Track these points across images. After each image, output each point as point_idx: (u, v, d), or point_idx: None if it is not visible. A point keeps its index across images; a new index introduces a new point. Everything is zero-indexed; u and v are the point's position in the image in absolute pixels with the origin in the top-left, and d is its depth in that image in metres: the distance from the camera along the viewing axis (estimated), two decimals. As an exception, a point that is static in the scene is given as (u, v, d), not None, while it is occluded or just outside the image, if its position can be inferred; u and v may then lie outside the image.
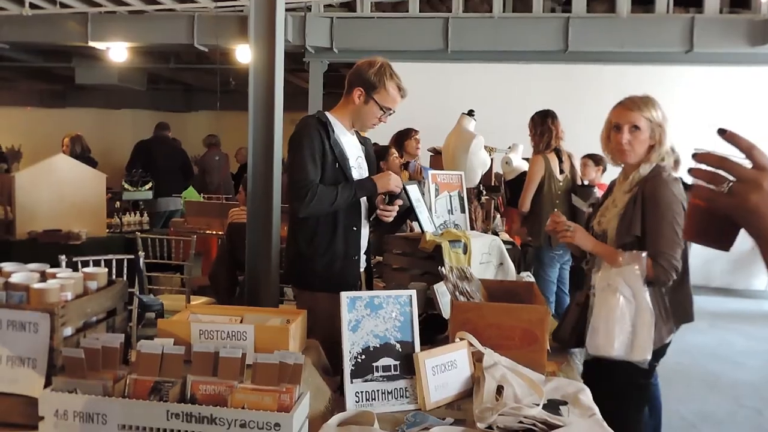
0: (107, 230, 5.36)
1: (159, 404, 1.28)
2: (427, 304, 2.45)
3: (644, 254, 2.24)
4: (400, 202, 2.60)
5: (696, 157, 0.90)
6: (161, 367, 1.37)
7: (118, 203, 6.01)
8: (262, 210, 3.34)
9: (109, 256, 4.04)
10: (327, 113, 2.60)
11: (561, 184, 4.38)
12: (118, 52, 8.90)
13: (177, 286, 5.03)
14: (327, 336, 2.12)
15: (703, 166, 0.89)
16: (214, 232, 5.73)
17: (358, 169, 2.60)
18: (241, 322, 1.81)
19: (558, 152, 4.32)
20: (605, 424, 1.58)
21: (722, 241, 0.92)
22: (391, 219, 2.65)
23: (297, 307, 2.61)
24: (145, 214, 5.79)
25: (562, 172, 4.40)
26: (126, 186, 6.08)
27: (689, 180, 0.91)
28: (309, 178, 2.44)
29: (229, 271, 4.55)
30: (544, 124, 4.33)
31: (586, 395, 1.79)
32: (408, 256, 2.80)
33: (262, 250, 3.36)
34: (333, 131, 2.52)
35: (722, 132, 0.89)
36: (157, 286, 4.93)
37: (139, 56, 9.99)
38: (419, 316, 2.46)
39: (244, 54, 8.09)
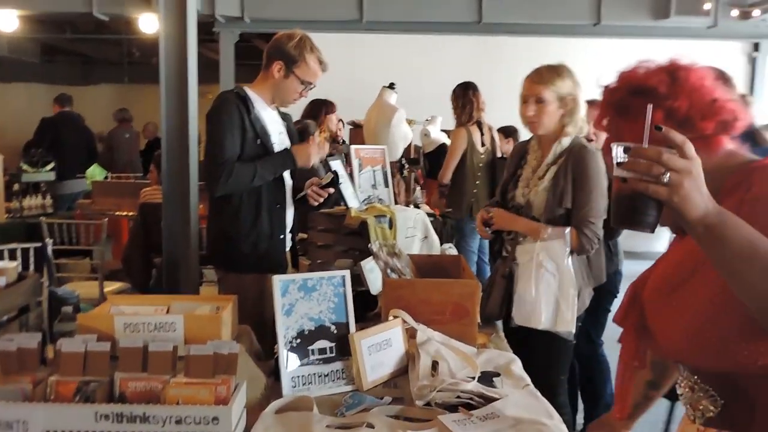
0: (6, 215, 5.02)
1: (86, 406, 1.21)
2: (354, 281, 2.44)
3: (568, 230, 2.30)
4: (331, 190, 2.57)
5: (630, 151, 0.98)
6: (85, 366, 1.29)
7: (16, 185, 5.62)
8: (178, 189, 3.21)
9: (13, 245, 3.78)
10: (246, 88, 2.51)
11: (482, 156, 4.44)
12: (6, 19, 8.25)
13: (86, 272, 4.78)
14: (256, 318, 2.07)
15: (638, 159, 0.97)
16: (125, 213, 5.48)
17: (280, 145, 2.53)
18: (167, 312, 1.73)
19: (480, 125, 4.37)
20: (539, 394, 1.62)
21: (649, 224, 1.01)
22: (319, 203, 2.61)
23: (221, 290, 2.54)
24: (48, 197, 5.46)
25: (483, 144, 4.45)
26: (25, 167, 5.68)
27: (618, 172, 0.99)
28: (226, 155, 2.35)
29: (143, 254, 4.37)
30: (465, 96, 4.36)
31: (517, 365, 1.83)
32: (333, 233, 2.76)
33: (179, 232, 3.25)
34: (253, 106, 2.43)
35: (659, 129, 0.99)
36: (65, 274, 4.67)
37: (31, 25, 9.31)
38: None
39: (148, 23, 7.69)
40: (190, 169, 3.16)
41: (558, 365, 2.47)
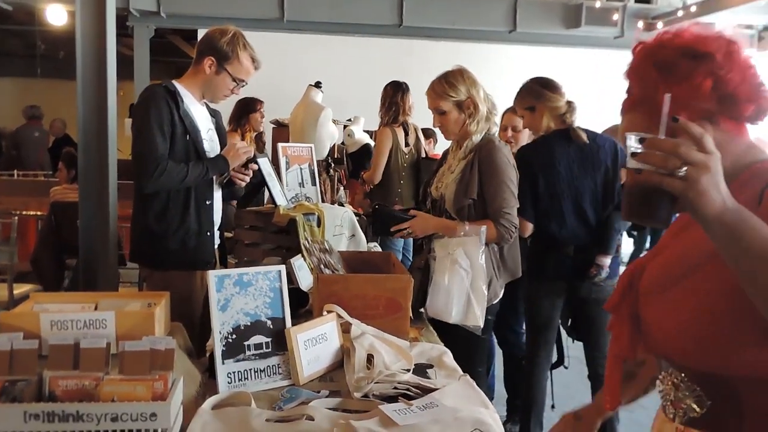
0: None
1: (13, 406, 1.15)
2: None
3: (483, 228, 2.38)
4: (255, 166, 2.54)
5: (645, 142, 0.95)
6: (11, 364, 1.23)
7: None
8: (96, 187, 3.08)
9: None
10: (175, 82, 2.45)
11: (407, 157, 4.50)
12: None
13: (-10, 274, 4.51)
14: (185, 316, 2.03)
15: (653, 151, 0.93)
16: (33, 213, 5.20)
17: (210, 141, 2.48)
18: (95, 309, 1.66)
19: (405, 125, 4.42)
20: (474, 384, 1.67)
21: (663, 218, 0.98)
22: (245, 183, 2.58)
23: (147, 289, 2.47)
24: (-53, 196, 5.11)
25: (407, 145, 4.51)
26: None
27: (632, 163, 0.96)
28: (157, 151, 2.29)
29: (54, 255, 4.18)
30: (394, 97, 4.40)
31: (449, 357, 1.87)
32: (260, 231, 2.74)
33: (98, 231, 3.11)
34: (182, 101, 2.38)
35: (675, 120, 0.95)
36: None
37: (-74, 13, 8.70)
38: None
39: (56, 15, 7.32)
40: (109, 167, 3.04)
41: (473, 357, 2.51)
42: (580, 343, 3.20)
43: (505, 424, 3.48)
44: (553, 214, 2.97)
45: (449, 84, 2.50)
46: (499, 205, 2.44)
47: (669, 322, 1.12)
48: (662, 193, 0.94)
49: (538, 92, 3.03)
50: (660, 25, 8.28)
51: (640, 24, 8.34)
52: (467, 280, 2.36)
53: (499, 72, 7.54)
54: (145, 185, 2.31)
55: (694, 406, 1.11)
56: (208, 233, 2.48)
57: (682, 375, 1.13)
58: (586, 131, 3.00)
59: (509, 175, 2.49)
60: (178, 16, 7.68)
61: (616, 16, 8.18)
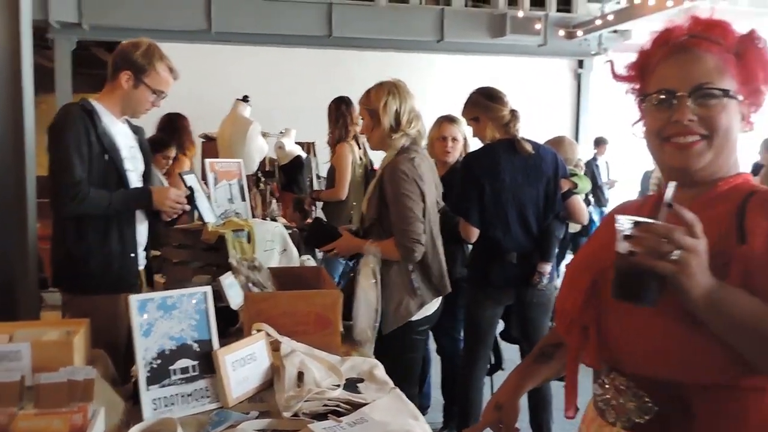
0: None
1: None
2: (213, 297, 2.38)
3: (377, 248, 2.40)
4: (188, 207, 2.50)
5: (639, 226, 0.98)
6: None
7: None
8: (14, 209, 2.96)
9: None
10: (92, 100, 2.38)
11: (360, 171, 4.50)
12: None
13: None
14: (109, 341, 1.97)
15: (646, 236, 0.97)
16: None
17: (132, 159, 2.42)
18: (10, 340, 1.60)
19: (357, 138, 4.40)
20: (404, 396, 1.69)
21: (652, 300, 1.01)
22: (172, 218, 2.53)
23: (67, 314, 2.38)
24: None
25: (361, 159, 4.51)
26: None
27: (624, 246, 0.99)
28: (75, 177, 2.22)
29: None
30: (338, 110, 4.38)
31: (380, 370, 1.89)
32: (189, 249, 2.68)
33: (16, 253, 2.99)
34: (100, 120, 2.31)
35: (669, 206, 1.00)
36: None
37: None
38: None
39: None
40: (27, 186, 2.93)
41: (405, 371, 2.44)
42: (513, 346, 3.28)
43: (441, 430, 3.53)
44: (498, 222, 3.00)
45: (368, 93, 2.54)
46: (397, 222, 2.40)
47: (629, 329, 1.13)
48: (653, 275, 0.98)
49: (481, 103, 3.07)
50: (580, 33, 8.59)
51: (561, 32, 8.64)
52: (363, 298, 2.31)
53: (428, 81, 7.67)
54: (63, 211, 2.24)
55: (640, 412, 1.12)
56: (132, 255, 2.41)
57: (627, 380, 1.14)
58: (531, 142, 3.06)
59: (408, 188, 2.40)
60: (101, 28, 7.49)
61: (538, 25, 8.45)
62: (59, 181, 2.23)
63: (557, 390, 1.30)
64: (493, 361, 3.27)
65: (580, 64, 9.59)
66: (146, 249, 2.55)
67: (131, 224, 2.41)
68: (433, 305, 2.56)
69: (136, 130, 2.52)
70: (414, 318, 2.47)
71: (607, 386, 1.19)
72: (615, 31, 8.66)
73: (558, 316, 1.28)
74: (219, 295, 2.38)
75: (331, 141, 4.50)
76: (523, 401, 1.45)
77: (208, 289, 1.67)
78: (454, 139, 3.53)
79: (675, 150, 1.13)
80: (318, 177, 6.23)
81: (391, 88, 2.51)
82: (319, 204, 4.97)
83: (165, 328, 1.57)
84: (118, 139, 2.36)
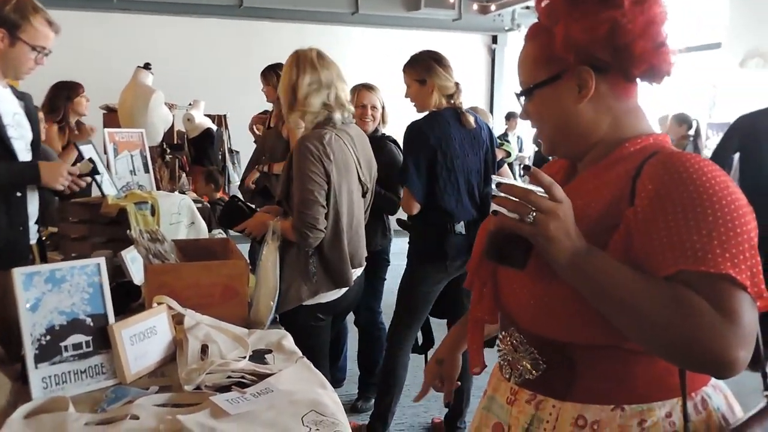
0: None
1: None
2: (116, 272, 2.29)
3: (273, 221, 2.33)
4: (83, 184, 2.35)
5: (500, 187, 0.98)
6: None
7: None
8: None
9: None
10: None
11: None
12: None
13: None
14: (0, 319, 1.84)
15: (507, 196, 0.97)
16: None
17: (17, 127, 2.25)
18: None
19: None
20: (311, 365, 1.66)
21: (519, 261, 1.02)
22: (73, 191, 2.38)
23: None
24: None
25: None
26: None
27: (492, 205, 1.00)
28: None
29: None
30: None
31: (288, 340, 1.85)
32: (89, 224, 2.55)
33: None
34: None
35: (527, 169, 1.00)
36: None
37: None
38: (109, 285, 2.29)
39: None
40: None
41: (311, 344, 2.26)
42: (441, 322, 3.20)
43: (356, 401, 3.54)
44: (451, 191, 2.90)
45: (280, 69, 2.40)
46: (296, 204, 2.28)
47: (517, 286, 1.14)
48: (517, 236, 0.99)
49: (432, 67, 2.90)
50: (493, 7, 8.71)
51: (475, 7, 8.73)
52: (262, 276, 2.18)
53: (344, 54, 7.57)
54: None
55: (530, 368, 1.14)
56: (21, 228, 2.26)
57: (522, 337, 1.15)
58: (469, 112, 3.00)
59: (311, 168, 2.24)
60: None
61: (453, -1, 8.50)
62: None
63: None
64: (421, 339, 3.17)
65: (494, 39, 9.74)
66: (37, 222, 2.40)
67: (19, 196, 2.25)
68: (333, 295, 2.41)
69: (22, 96, 2.34)
70: (307, 303, 2.35)
71: (505, 341, 1.21)
72: (527, 8, 8.82)
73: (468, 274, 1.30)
74: (121, 270, 2.30)
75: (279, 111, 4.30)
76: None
77: (101, 260, 1.58)
78: (374, 107, 3.44)
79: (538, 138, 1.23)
80: (231, 151, 6.08)
81: (290, 60, 2.36)
82: (235, 179, 4.85)
83: (54, 302, 1.48)
84: (0, 105, 2.19)
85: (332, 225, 2.33)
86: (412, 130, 2.92)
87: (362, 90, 3.45)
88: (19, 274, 1.44)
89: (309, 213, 2.26)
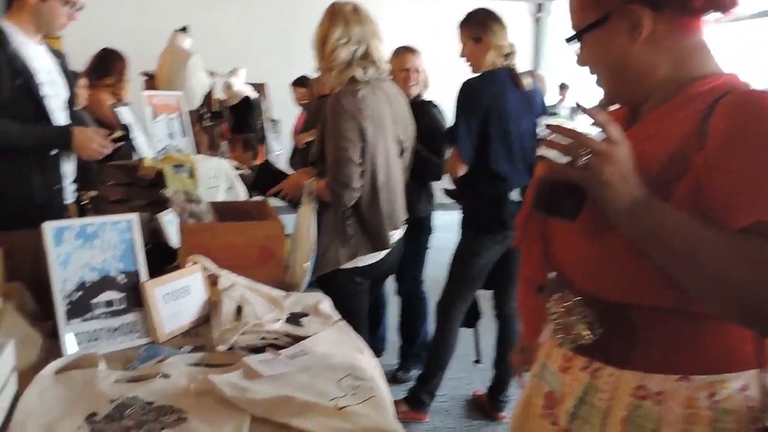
0: None
1: None
2: (154, 235, 2.26)
3: (307, 181, 2.26)
4: (107, 151, 2.32)
5: (550, 128, 0.90)
6: None
7: None
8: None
9: None
10: (1, 21, 2.15)
11: None
12: None
13: None
14: (33, 276, 1.82)
15: (558, 139, 0.88)
16: None
17: (52, 84, 2.21)
18: None
19: None
20: (350, 329, 1.60)
21: (569, 211, 0.93)
22: (105, 154, 2.35)
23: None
24: None
25: None
26: None
27: (540, 150, 0.91)
28: None
29: None
30: None
31: (326, 304, 1.79)
32: (128, 186, 2.53)
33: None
34: (9, 42, 2.09)
35: (579, 106, 0.91)
36: None
37: None
38: (146, 247, 2.26)
39: None
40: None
41: (349, 306, 2.20)
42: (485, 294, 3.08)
43: (396, 371, 3.49)
44: (504, 155, 2.74)
45: (323, 20, 2.26)
46: (329, 163, 2.19)
47: (570, 242, 1.05)
48: (568, 184, 0.90)
49: (489, 25, 2.75)
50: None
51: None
52: (297, 237, 2.13)
53: (382, 22, 7.43)
54: None
55: (586, 332, 1.05)
56: (56, 187, 2.23)
57: (577, 299, 1.07)
58: (525, 75, 2.84)
59: (344, 125, 2.15)
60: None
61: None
62: None
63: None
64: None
65: (539, 7, 9.43)
66: (75, 182, 2.37)
67: (54, 155, 2.23)
68: (371, 258, 2.34)
69: (57, 54, 2.29)
70: (345, 266, 2.29)
71: (558, 304, 1.11)
72: None
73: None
74: (159, 234, 2.27)
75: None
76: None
77: (134, 216, 1.53)
78: (417, 71, 3.31)
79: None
80: (272, 121, 6.03)
81: (326, 12, 2.27)
82: (275, 149, 4.79)
83: (85, 258, 1.44)
84: (33, 63, 2.15)
85: (369, 184, 2.25)
86: (465, 88, 2.75)
87: (405, 53, 3.33)
88: (49, 228, 1.40)
89: (342, 171, 2.18)
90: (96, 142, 2.23)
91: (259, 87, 5.86)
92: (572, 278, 1.08)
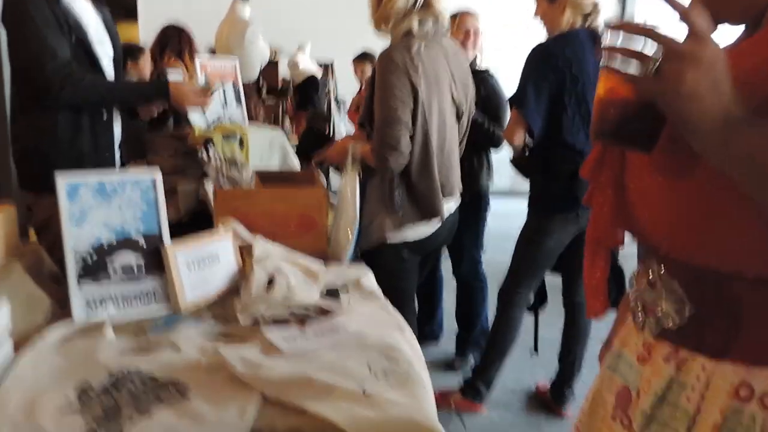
0: None
1: None
2: (201, 205, 2.16)
3: (351, 144, 2.07)
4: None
5: (610, 27, 0.67)
6: None
7: None
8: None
9: None
10: None
11: None
12: None
13: None
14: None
15: (625, 41, 0.64)
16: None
17: (100, 43, 2.10)
18: None
19: None
20: (389, 306, 1.42)
21: (642, 138, 0.69)
22: (151, 116, 2.26)
23: (34, 217, 2.14)
24: None
25: None
26: None
27: (602, 62, 0.68)
28: (57, 55, 1.90)
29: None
30: None
31: (368, 278, 1.62)
32: (176, 156, 2.43)
33: None
34: None
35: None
36: None
37: None
38: (189, 215, 2.15)
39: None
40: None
41: (395, 282, 2.12)
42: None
43: (453, 361, 3.28)
44: (580, 123, 2.44)
45: None
46: (376, 122, 2.00)
47: (651, 188, 0.82)
48: (639, 103, 0.66)
49: None
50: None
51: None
52: (340, 206, 1.92)
53: None
54: (50, 100, 1.93)
55: (672, 312, 0.83)
56: (107, 153, 2.15)
57: (662, 269, 0.84)
58: None
59: (395, 83, 1.95)
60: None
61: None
62: (38, 63, 1.90)
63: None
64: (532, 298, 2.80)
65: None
66: (121, 148, 2.28)
67: (107, 120, 2.14)
68: (422, 231, 2.15)
69: (100, 8, 2.17)
70: (393, 241, 2.11)
71: (640, 279, 0.89)
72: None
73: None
74: (203, 201, 2.16)
75: None
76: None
77: (157, 174, 1.40)
78: (476, 33, 3.06)
79: None
80: (337, 101, 5.90)
81: None
82: (341, 129, 4.65)
83: (102, 217, 1.32)
84: (83, 18, 2.04)
85: (420, 148, 2.04)
86: (538, 50, 2.47)
87: (465, 15, 3.09)
88: (62, 182, 1.29)
89: (389, 132, 1.97)
90: (195, 93, 2.15)
91: (325, 67, 5.74)
92: (655, 241, 0.85)
